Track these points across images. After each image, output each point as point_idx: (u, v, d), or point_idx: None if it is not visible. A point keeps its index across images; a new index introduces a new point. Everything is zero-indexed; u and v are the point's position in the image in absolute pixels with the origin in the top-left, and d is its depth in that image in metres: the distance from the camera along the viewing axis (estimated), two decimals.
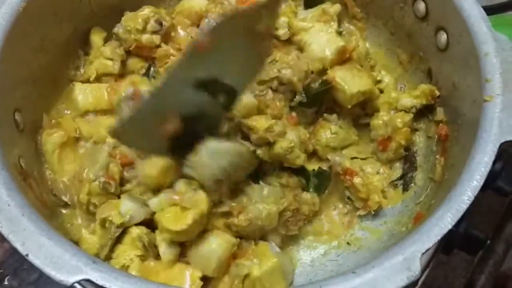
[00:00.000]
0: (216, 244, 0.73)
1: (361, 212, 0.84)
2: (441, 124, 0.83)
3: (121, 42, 0.91)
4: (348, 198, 0.85)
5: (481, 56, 0.71)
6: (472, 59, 0.72)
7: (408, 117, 0.86)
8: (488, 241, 0.80)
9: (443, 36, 0.80)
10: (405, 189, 0.87)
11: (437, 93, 0.85)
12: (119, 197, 0.78)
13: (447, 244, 0.79)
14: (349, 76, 0.84)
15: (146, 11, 0.90)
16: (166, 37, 0.93)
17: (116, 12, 0.93)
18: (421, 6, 0.84)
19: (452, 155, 0.77)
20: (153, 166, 0.74)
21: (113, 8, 0.94)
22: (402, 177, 0.88)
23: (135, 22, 0.89)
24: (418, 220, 0.78)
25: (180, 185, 0.73)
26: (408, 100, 0.87)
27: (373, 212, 0.84)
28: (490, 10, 0.99)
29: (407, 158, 0.89)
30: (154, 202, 0.73)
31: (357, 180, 0.82)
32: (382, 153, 0.88)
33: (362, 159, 0.88)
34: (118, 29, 0.90)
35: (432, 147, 0.86)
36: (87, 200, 0.76)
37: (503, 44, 0.71)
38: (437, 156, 0.82)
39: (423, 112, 0.89)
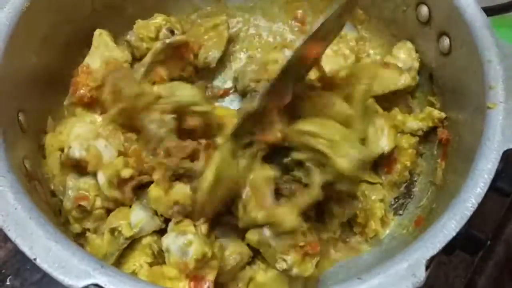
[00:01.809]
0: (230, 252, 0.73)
1: (358, 238, 0.83)
2: (441, 129, 0.84)
3: (133, 50, 0.92)
4: (348, 221, 0.84)
5: (484, 62, 0.71)
6: (475, 65, 0.73)
7: (414, 139, 0.86)
8: (489, 242, 0.81)
9: (445, 41, 0.81)
10: (395, 213, 0.87)
11: (443, 115, 0.83)
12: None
13: (447, 244, 0.80)
14: None
15: (158, 19, 0.92)
16: None
17: (118, 11, 0.94)
18: (424, 11, 0.84)
19: (454, 160, 0.78)
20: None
21: (115, 8, 0.94)
22: (395, 201, 0.88)
23: (147, 31, 0.90)
24: (419, 224, 0.79)
25: None
26: (414, 123, 0.86)
27: (369, 240, 0.83)
28: (491, 11, 1.00)
29: (406, 184, 0.89)
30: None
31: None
32: (387, 175, 0.87)
33: (370, 183, 0.86)
34: (131, 37, 0.92)
35: (433, 151, 0.87)
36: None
37: (506, 51, 0.71)
38: (438, 160, 0.83)
39: (428, 136, 0.88)
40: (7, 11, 0.75)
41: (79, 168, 0.77)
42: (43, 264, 0.57)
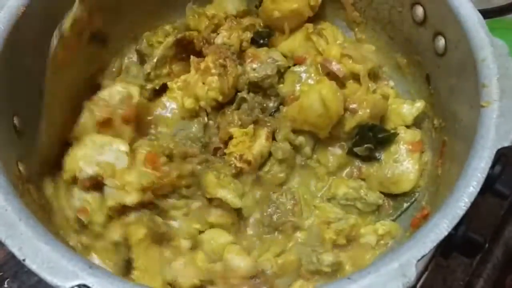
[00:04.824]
0: None
1: None
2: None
3: (144, 57, 0.95)
4: None
5: (479, 61, 0.71)
6: (469, 64, 0.72)
7: None
8: (487, 245, 0.80)
9: (441, 41, 0.80)
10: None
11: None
12: None
13: (445, 247, 0.79)
14: None
15: (167, 27, 0.98)
16: None
17: (114, 15, 0.94)
18: (419, 11, 0.84)
19: (449, 160, 0.77)
20: None
21: (112, 12, 0.94)
22: None
23: (156, 36, 0.94)
24: (415, 225, 0.78)
25: None
26: None
27: None
28: (488, 13, 1.00)
29: None
30: None
31: None
32: None
33: None
34: (140, 46, 0.96)
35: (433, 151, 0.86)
36: None
37: (500, 50, 0.71)
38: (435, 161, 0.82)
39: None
40: (2, 16, 0.76)
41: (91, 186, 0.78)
42: (32, 264, 0.57)
